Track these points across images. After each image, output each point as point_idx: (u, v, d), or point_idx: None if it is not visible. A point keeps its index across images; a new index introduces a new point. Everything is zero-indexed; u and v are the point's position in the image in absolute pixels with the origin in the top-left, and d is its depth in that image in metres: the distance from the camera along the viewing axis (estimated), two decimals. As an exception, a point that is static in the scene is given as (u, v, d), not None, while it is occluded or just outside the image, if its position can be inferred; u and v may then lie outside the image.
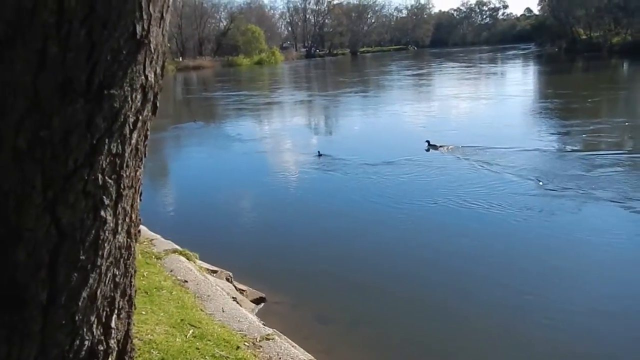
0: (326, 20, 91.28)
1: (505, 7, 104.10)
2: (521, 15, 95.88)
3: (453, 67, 41.24)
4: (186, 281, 4.35)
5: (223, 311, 3.85)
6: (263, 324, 3.89)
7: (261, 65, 64.15)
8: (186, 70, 57.21)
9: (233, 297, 4.49)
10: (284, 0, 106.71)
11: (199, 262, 5.22)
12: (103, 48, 1.15)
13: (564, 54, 49.64)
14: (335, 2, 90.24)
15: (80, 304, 1.28)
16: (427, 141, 11.61)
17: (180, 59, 64.26)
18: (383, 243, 6.69)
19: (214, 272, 5.19)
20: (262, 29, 71.96)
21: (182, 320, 3.47)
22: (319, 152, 11.64)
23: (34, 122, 1.15)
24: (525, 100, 20.31)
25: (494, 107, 18.73)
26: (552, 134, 13.21)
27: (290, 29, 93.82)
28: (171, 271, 4.53)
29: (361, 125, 17.00)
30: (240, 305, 4.36)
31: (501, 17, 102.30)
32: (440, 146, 11.46)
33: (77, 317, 1.28)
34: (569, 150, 11.09)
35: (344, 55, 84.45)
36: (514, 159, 10.21)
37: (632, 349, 4.29)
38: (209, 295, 4.12)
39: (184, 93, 35.97)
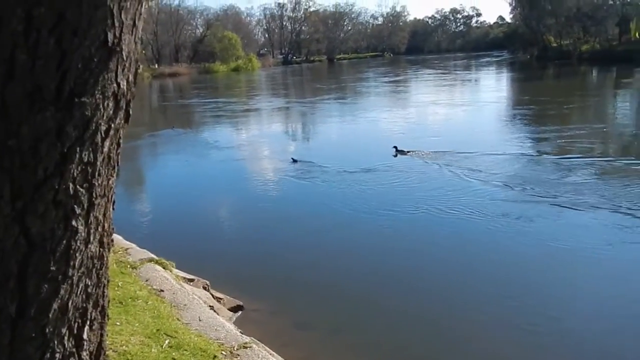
0: (303, 27, 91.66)
1: (479, 15, 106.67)
2: (494, 23, 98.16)
3: (429, 74, 41.86)
4: (162, 290, 4.29)
5: (200, 320, 3.81)
6: (241, 332, 3.86)
7: (238, 71, 63.91)
8: (162, 77, 56.54)
9: (210, 306, 4.45)
10: (261, 7, 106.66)
11: (175, 270, 5.15)
12: (73, 56, 1.14)
13: (536, 61, 50.90)
14: (311, 10, 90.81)
15: (50, 315, 1.26)
16: (395, 147, 11.66)
17: (156, 66, 63.47)
18: (361, 249, 6.72)
19: (191, 280, 5.14)
20: (239, 35, 71.81)
21: (157, 330, 3.42)
22: (292, 158, 11.67)
23: (2, 131, 1.13)
24: (499, 106, 20.76)
25: (469, 113, 19.07)
26: (527, 139, 13.49)
27: (267, 35, 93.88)
28: (147, 280, 4.46)
29: (338, 132, 17.11)
30: (218, 314, 4.33)
31: (475, 25, 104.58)
32: (408, 151, 11.54)
33: (47, 330, 1.26)
34: (544, 156, 11.19)
35: (321, 62, 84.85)
36: (489, 165, 10.35)
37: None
38: (185, 305, 4.07)
39: (159, 100, 35.54)
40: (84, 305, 1.37)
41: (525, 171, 9.93)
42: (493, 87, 30.58)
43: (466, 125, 16.47)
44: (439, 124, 17.10)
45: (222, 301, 5.06)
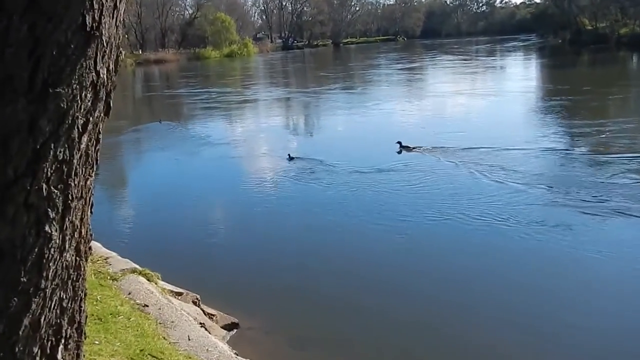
0: (305, 8, 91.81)
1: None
2: (521, 3, 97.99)
3: (448, 61, 41.84)
4: (146, 305, 4.31)
5: (189, 339, 3.82)
6: (235, 353, 3.88)
7: (232, 58, 64.14)
8: (147, 64, 56.88)
9: (201, 323, 4.46)
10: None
11: (161, 283, 5.17)
12: (47, 42, 1.14)
13: (569, 46, 50.79)
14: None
15: (21, 333, 1.26)
16: (399, 142, 11.92)
17: (140, 52, 63.81)
18: (366, 259, 6.71)
19: (179, 294, 5.15)
20: (233, 17, 72.07)
21: (141, 350, 3.43)
22: (289, 155, 11.78)
23: (-33, 126, 1.14)
24: (528, 97, 20.68)
25: (494, 104, 19.04)
26: (562, 134, 13.39)
27: (264, 17, 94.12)
28: (129, 294, 4.48)
29: (345, 126, 17.13)
30: (209, 332, 4.34)
31: (499, 4, 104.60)
32: (414, 147, 11.76)
33: (17, 349, 1.26)
34: (583, 153, 11.05)
35: (325, 47, 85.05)
36: (519, 163, 10.26)
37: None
38: (172, 322, 4.08)
39: (144, 90, 35.71)
40: (59, 321, 1.37)
41: (560, 171, 9.84)
42: (521, 75, 30.51)
43: (491, 118, 16.43)
44: (459, 117, 17.07)
45: (214, 318, 5.07)
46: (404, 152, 11.75)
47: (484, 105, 19.06)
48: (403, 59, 47.31)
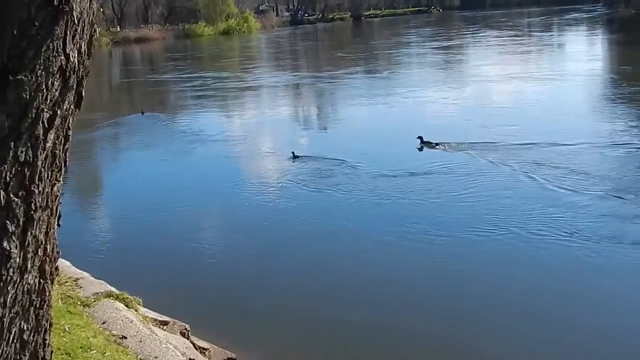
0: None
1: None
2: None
3: (494, 37, 41.63)
4: (125, 337, 4.33)
5: (177, 378, 3.83)
6: (232, 395, 3.89)
7: (229, 35, 64.54)
8: (126, 44, 57.51)
9: (190, 359, 4.47)
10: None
11: (143, 309, 5.19)
12: (7, 19, 1.16)
13: (644, 18, 50.26)
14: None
15: (-27, 371, 1.28)
16: (420, 137, 12.21)
17: (118, 29, 64.48)
18: (387, 283, 6.69)
19: (164, 323, 5.17)
20: (231, -14, 72.38)
21: (119, 391, 3.45)
22: (293, 153, 11.92)
23: None
24: (594, 82, 20.43)
25: (551, 91, 18.84)
26: (633, 129, 13.21)
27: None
28: (104, 323, 4.51)
29: (367, 118, 17.12)
30: (201, 370, 4.35)
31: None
32: (437, 143, 12.12)
33: (-31, 390, 1.28)
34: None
35: (343, 21, 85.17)
36: (582, 164, 10.15)
37: None
38: (156, 357, 4.10)
39: (123, 75, 36.08)
40: (18, 357, 1.38)
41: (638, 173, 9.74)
42: (585, 54, 30.20)
43: (549, 107, 16.21)
44: (509, 106, 16.92)
45: (207, 352, 5.08)
46: (426, 149, 11.94)
47: (540, 91, 18.85)
48: (439, 35, 47.15)
